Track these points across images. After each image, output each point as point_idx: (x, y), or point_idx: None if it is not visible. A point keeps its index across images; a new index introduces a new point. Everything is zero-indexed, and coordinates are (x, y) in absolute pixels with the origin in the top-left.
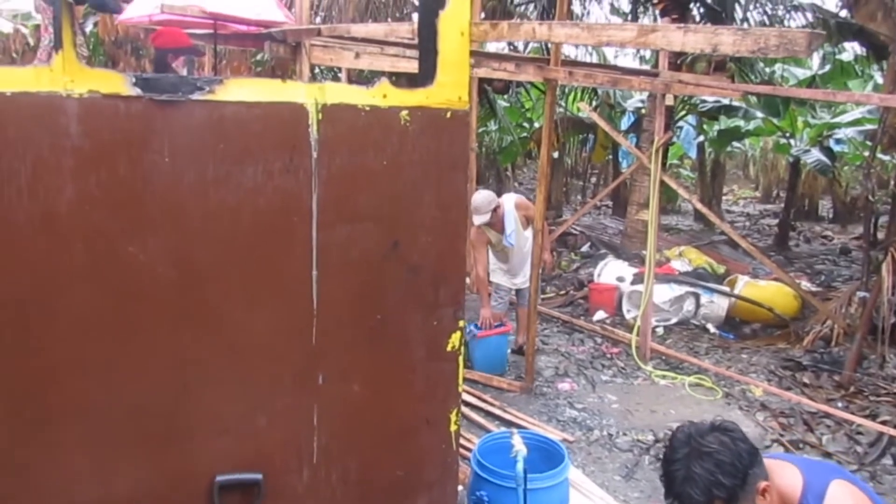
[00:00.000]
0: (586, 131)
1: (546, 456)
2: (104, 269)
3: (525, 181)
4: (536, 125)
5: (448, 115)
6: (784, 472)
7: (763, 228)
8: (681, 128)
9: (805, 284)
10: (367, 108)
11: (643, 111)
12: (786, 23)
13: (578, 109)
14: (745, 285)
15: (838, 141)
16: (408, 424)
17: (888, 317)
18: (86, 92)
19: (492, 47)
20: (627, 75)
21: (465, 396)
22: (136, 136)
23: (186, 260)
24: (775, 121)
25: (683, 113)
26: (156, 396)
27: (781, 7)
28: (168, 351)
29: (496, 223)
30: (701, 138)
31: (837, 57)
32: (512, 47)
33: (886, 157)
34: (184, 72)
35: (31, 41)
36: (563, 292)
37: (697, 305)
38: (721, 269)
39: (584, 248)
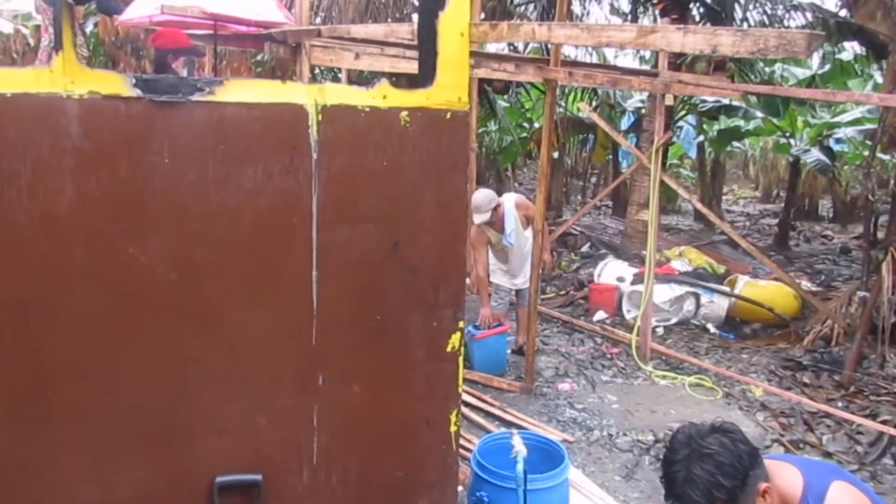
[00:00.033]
0: (586, 131)
1: (546, 456)
2: (104, 269)
3: (525, 181)
4: (536, 125)
5: (448, 115)
6: (784, 473)
7: (763, 228)
8: (681, 128)
9: (805, 284)
10: (367, 109)
11: (643, 111)
12: (785, 22)
13: (578, 109)
14: (745, 285)
15: (838, 140)
16: (408, 425)
17: (888, 316)
18: (86, 93)
19: (492, 47)
20: (627, 75)
21: (466, 397)
22: (136, 137)
23: (186, 261)
24: (775, 120)
25: (683, 113)
26: (156, 397)
27: (781, 7)
28: (168, 351)
29: (496, 222)
30: (701, 138)
31: (837, 56)
32: (512, 48)
33: (886, 157)
34: (184, 72)
35: (32, 42)
36: (563, 292)
37: (697, 305)
38: (721, 269)
39: (584, 249)
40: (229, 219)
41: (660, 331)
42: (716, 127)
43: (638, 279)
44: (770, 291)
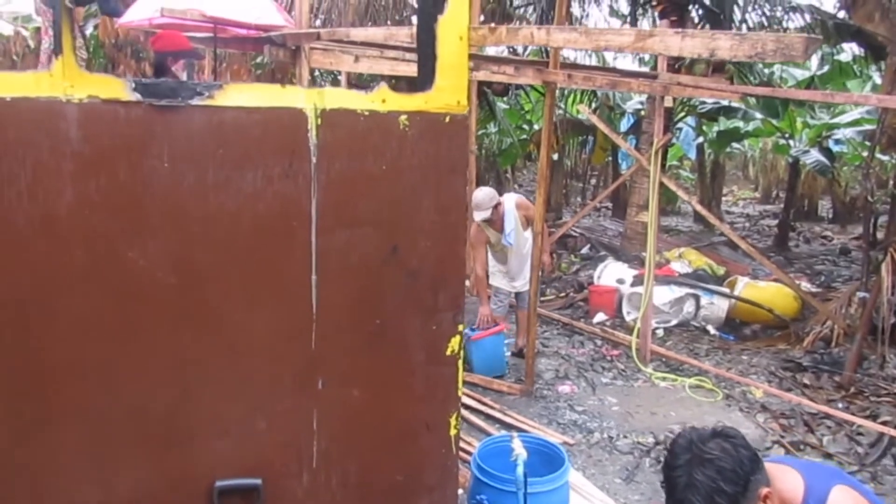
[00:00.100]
0: (586, 133)
1: (546, 459)
2: (104, 272)
3: (525, 183)
4: (536, 127)
5: (447, 119)
6: (785, 477)
7: (763, 229)
8: (680, 129)
9: (805, 285)
10: (367, 113)
11: (642, 113)
12: (784, 24)
13: (578, 111)
14: (744, 286)
15: (837, 141)
16: (407, 428)
17: (888, 317)
18: (85, 97)
19: (491, 50)
20: (626, 77)
21: (465, 399)
22: (136, 141)
23: (186, 264)
24: (774, 122)
25: (683, 114)
26: (156, 399)
27: (780, 8)
28: (168, 354)
29: (496, 221)
30: (700, 139)
31: (836, 58)
32: (511, 50)
33: (885, 158)
34: (184, 75)
35: (32, 44)
36: (562, 294)
37: (697, 307)
38: (721, 271)
39: (584, 250)
40: (229, 222)
41: (660, 332)
42: (715, 128)
43: (638, 281)
44: (770, 292)
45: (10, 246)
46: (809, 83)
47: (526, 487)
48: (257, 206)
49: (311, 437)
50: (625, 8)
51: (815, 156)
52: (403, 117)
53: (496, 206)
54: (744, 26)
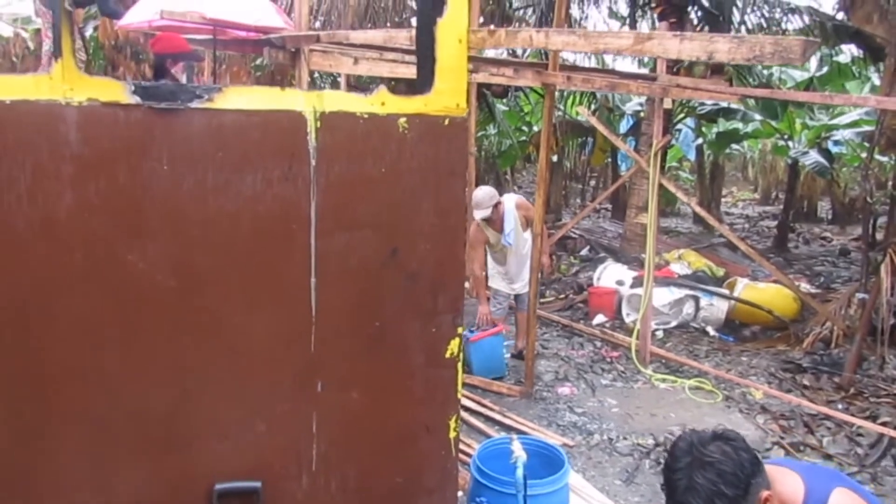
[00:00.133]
0: (585, 134)
1: (546, 461)
2: (104, 275)
3: (524, 185)
4: (536, 129)
5: (446, 122)
6: (785, 480)
7: (762, 230)
8: (679, 130)
9: (804, 286)
10: (366, 116)
11: (642, 115)
12: (783, 25)
13: (577, 113)
14: (744, 288)
15: (836, 142)
16: (407, 431)
17: (887, 318)
18: (85, 100)
19: (490, 52)
20: (625, 79)
21: (465, 401)
22: (135, 144)
23: (186, 267)
24: (773, 123)
25: (682, 116)
26: (155, 402)
27: (779, 10)
28: (167, 357)
29: (496, 221)
30: (699, 141)
31: (835, 59)
32: (510, 52)
33: (884, 159)
34: (183, 77)
35: (32, 45)
36: (562, 296)
37: (697, 308)
38: (720, 272)
39: (584, 252)
40: (228, 225)
41: (659, 334)
42: (714, 130)
43: (637, 282)
44: (769, 294)
45: (10, 249)
46: (808, 84)
47: (526, 490)
48: (257, 208)
49: (310, 440)
50: (624, 9)
51: (814, 157)
52: (403, 120)
53: (496, 206)
54: (743, 28)
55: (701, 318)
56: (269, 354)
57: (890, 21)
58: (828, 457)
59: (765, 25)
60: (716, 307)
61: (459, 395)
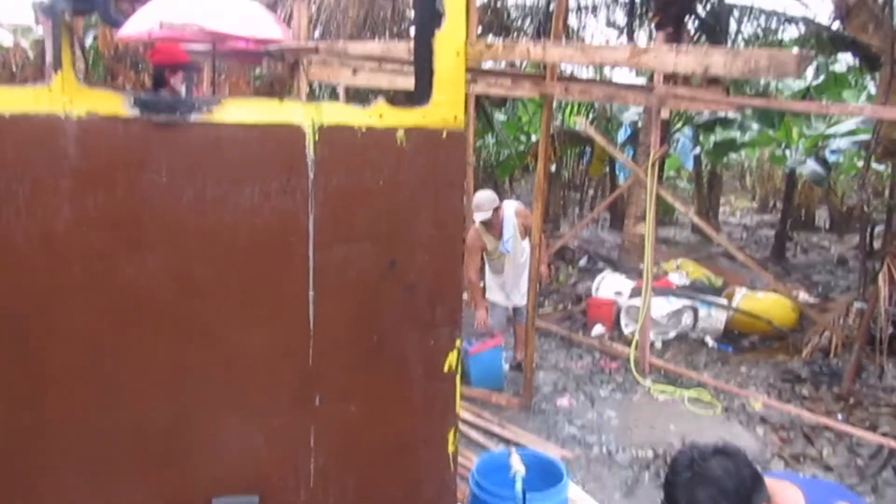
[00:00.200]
0: (583, 144)
1: (545, 474)
2: (102, 288)
3: (523, 194)
4: (534, 138)
5: (444, 134)
6: (786, 494)
7: (760, 239)
8: (677, 140)
9: (803, 295)
10: (364, 129)
11: (639, 124)
12: (779, 35)
13: (575, 123)
14: (742, 297)
15: (834, 151)
16: (405, 445)
17: (885, 327)
18: (84, 113)
19: (488, 62)
20: (623, 90)
21: (464, 414)
22: (134, 157)
23: (184, 279)
24: (771, 132)
25: (680, 125)
26: (153, 415)
27: (775, 20)
28: (166, 370)
29: (496, 226)
30: (697, 150)
31: (831, 68)
32: (509, 62)
33: (881, 167)
34: (182, 88)
35: (31, 55)
36: (560, 307)
37: (696, 319)
38: (719, 282)
39: (582, 262)
40: (227, 238)
41: (658, 345)
42: (712, 139)
43: (635, 293)
44: (768, 303)
45: (9, 263)
46: (805, 94)
47: (525, 503)
48: (255, 221)
49: (308, 454)
50: (621, 19)
51: (811, 166)
52: (401, 132)
53: (496, 210)
54: (739, 37)
55: (699, 328)
56: (267, 367)
57: (885, 31)
58: (828, 468)
59: (761, 35)
60: (714, 317)
61: (458, 409)
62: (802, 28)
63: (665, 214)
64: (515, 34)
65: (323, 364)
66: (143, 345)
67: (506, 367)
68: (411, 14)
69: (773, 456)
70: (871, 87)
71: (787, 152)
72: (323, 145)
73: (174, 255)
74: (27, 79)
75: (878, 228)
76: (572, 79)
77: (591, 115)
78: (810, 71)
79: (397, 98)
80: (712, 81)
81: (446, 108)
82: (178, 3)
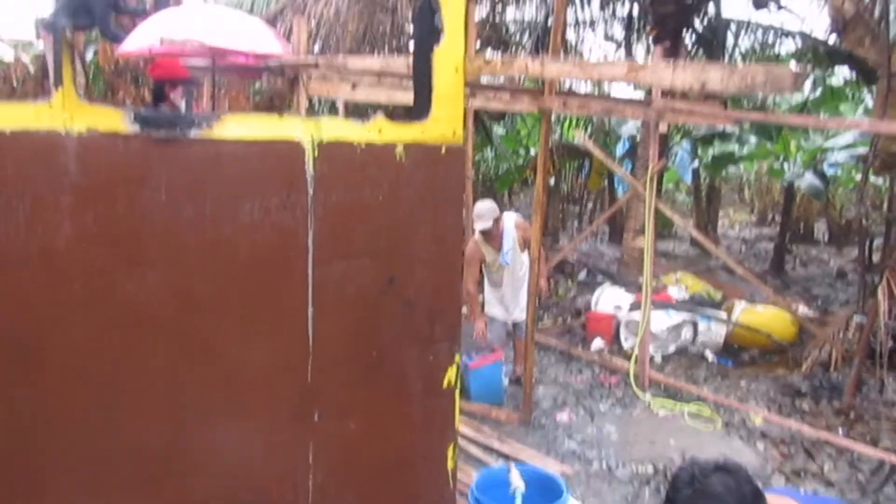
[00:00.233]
0: (582, 157)
1: (545, 490)
2: (102, 304)
3: (522, 207)
4: (533, 152)
5: (443, 150)
6: None
7: (759, 252)
8: (676, 153)
9: (802, 309)
10: (363, 145)
11: (638, 138)
12: (776, 49)
13: (574, 136)
14: (742, 311)
15: (832, 164)
16: (404, 461)
17: (885, 341)
18: (85, 129)
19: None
20: (621, 104)
21: (463, 429)
22: (134, 173)
23: (184, 295)
24: (769, 145)
25: (678, 138)
26: (152, 432)
27: (772, 34)
28: (165, 386)
29: (496, 237)
30: (696, 163)
31: (828, 81)
32: (507, 77)
33: (879, 181)
34: (182, 102)
35: (32, 69)
36: (560, 320)
37: (695, 332)
38: (718, 295)
39: (581, 276)
40: (227, 254)
41: (658, 359)
42: (710, 152)
43: (635, 306)
44: (767, 317)
45: (9, 279)
46: (802, 107)
47: None
48: (255, 237)
49: (307, 470)
50: (619, 34)
51: (809, 179)
52: (400, 148)
53: (496, 221)
54: (736, 51)
55: (699, 342)
56: (267, 384)
57: (881, 44)
58: (829, 483)
59: (758, 49)
60: (714, 331)
61: (457, 424)
62: (799, 42)
63: (664, 228)
64: (514, 49)
65: (322, 380)
66: (143, 360)
67: (505, 381)
68: (410, 29)
69: (773, 471)
70: (869, 100)
71: (786, 165)
72: (322, 161)
73: (174, 271)
74: (28, 93)
75: (877, 241)
76: (570, 93)
77: (589, 129)
78: (808, 84)
79: (396, 112)
80: (710, 95)
81: (445, 123)
82: (179, 18)
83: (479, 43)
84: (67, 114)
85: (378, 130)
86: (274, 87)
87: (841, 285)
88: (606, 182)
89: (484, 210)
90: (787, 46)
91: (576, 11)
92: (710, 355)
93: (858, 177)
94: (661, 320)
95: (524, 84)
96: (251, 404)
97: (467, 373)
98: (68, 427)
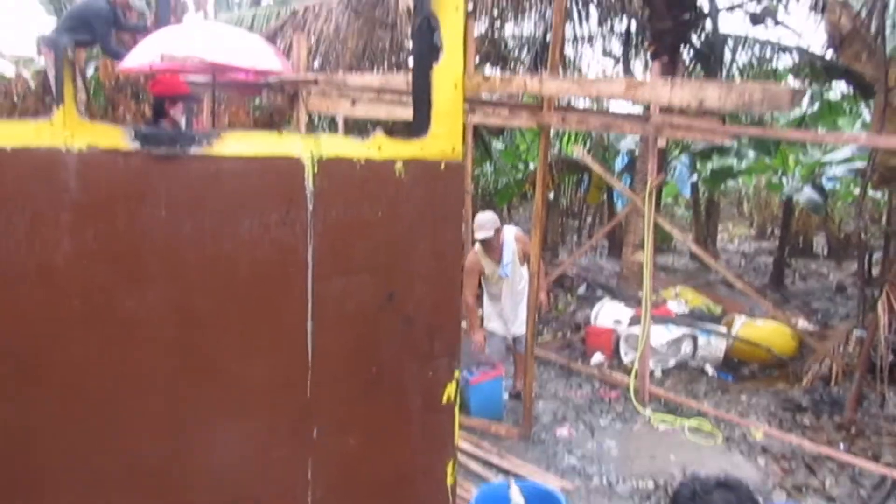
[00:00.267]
0: (581, 172)
1: None
2: (102, 321)
3: (521, 222)
4: (532, 166)
5: (442, 166)
6: None
7: (759, 266)
8: (675, 167)
9: (802, 323)
10: (363, 161)
11: (637, 153)
12: (773, 64)
13: (573, 151)
14: (742, 325)
15: (830, 178)
16: (404, 477)
17: (886, 355)
18: (85, 147)
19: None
20: (619, 119)
21: (462, 444)
22: (134, 190)
23: (183, 312)
24: (767, 159)
25: (677, 153)
26: (151, 447)
27: (769, 49)
28: (165, 402)
29: (496, 248)
30: (695, 178)
31: (826, 96)
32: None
33: (878, 195)
34: (182, 119)
35: (33, 85)
36: (559, 335)
37: (695, 347)
38: (718, 309)
39: (581, 290)
40: (226, 270)
41: (658, 373)
42: (709, 166)
43: (635, 321)
44: (767, 331)
45: (8, 295)
46: (800, 122)
47: None
48: (254, 253)
49: (306, 486)
50: (617, 49)
51: (808, 193)
52: (399, 164)
53: (497, 232)
54: (734, 66)
55: (699, 356)
56: (265, 400)
57: (878, 59)
58: (830, 499)
59: (755, 64)
60: (714, 345)
61: (457, 440)
62: (796, 57)
63: (663, 242)
64: (513, 64)
65: (321, 395)
66: (143, 377)
67: (505, 396)
68: (409, 45)
69: (774, 486)
70: (866, 114)
71: (784, 179)
72: (322, 177)
73: (174, 288)
74: (29, 108)
75: (877, 255)
76: (569, 108)
77: (588, 144)
78: (805, 99)
79: (396, 128)
80: (708, 111)
81: (444, 139)
82: (179, 35)
83: (478, 58)
84: (68, 131)
85: (378, 147)
86: (274, 103)
87: (840, 299)
88: (605, 196)
89: (485, 220)
90: (785, 61)
91: (574, 27)
92: (710, 370)
93: (857, 191)
94: (661, 335)
95: (523, 99)
96: (250, 420)
97: (468, 388)
98: (67, 444)
